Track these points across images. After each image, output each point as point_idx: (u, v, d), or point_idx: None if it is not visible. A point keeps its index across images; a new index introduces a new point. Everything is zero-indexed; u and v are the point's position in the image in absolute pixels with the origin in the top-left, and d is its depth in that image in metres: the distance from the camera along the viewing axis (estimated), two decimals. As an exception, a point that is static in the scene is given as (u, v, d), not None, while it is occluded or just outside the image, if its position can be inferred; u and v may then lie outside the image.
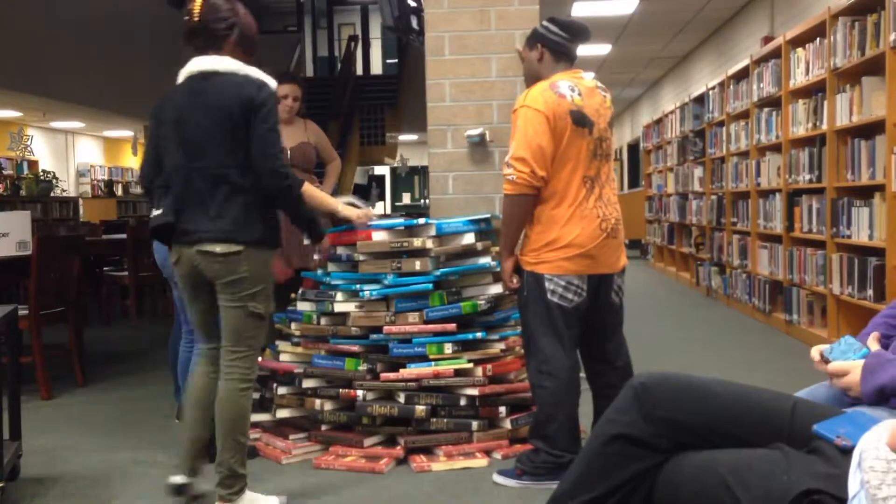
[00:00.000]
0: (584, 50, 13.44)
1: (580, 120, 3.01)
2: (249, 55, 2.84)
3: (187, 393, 2.93)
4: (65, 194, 14.37)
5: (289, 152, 4.50)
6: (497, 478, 3.13)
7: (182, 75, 2.79)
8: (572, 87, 3.05)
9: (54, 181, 12.77)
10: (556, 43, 3.12)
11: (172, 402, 3.98)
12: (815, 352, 1.91)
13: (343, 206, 3.65)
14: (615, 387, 2.66)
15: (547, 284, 3.02)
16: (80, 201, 13.77)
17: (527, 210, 3.04)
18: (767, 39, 7.59)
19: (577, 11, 9.48)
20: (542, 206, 3.04)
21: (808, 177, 5.84)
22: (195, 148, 2.71)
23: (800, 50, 6.00)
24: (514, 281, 3.12)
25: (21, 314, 3.74)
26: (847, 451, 1.49)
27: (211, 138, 2.69)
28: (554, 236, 3.01)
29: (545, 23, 3.18)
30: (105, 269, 7.86)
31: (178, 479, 2.83)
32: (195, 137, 2.70)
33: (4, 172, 13.11)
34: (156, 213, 2.76)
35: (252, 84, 2.70)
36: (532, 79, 3.16)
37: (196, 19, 2.77)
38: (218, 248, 2.68)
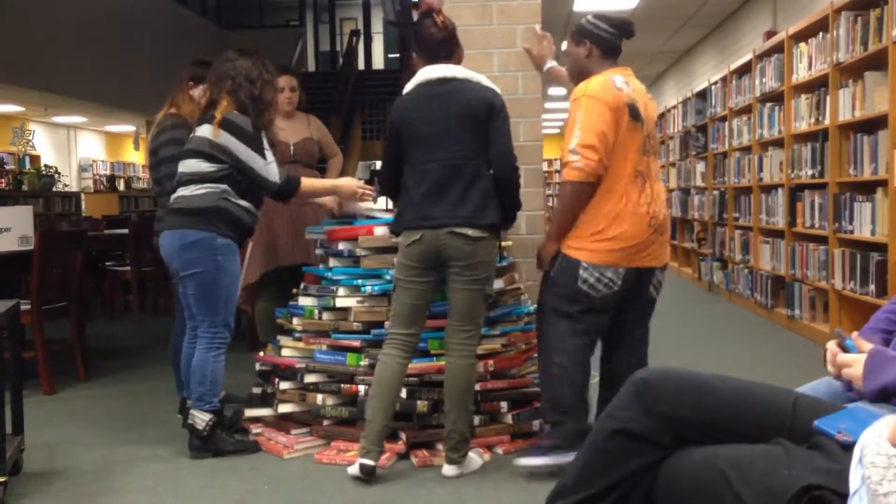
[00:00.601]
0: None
1: (635, 114, 3.02)
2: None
3: (377, 380, 3.11)
4: (67, 189, 14.38)
5: (292, 147, 4.50)
6: (522, 461, 3.11)
7: (417, 82, 3.13)
8: (625, 82, 3.09)
9: (56, 176, 12.77)
10: (604, 39, 3.16)
11: (175, 397, 3.98)
12: (831, 345, 1.88)
13: (344, 180, 3.65)
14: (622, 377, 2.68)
15: (581, 273, 3.01)
16: (83, 196, 13.77)
17: (588, 198, 3.01)
18: (770, 34, 7.57)
19: (579, 6, 9.46)
20: (594, 197, 3.02)
21: (810, 172, 5.83)
22: (438, 141, 3.05)
23: (802, 45, 5.98)
24: (551, 266, 3.11)
25: (23, 309, 3.75)
26: (848, 447, 1.49)
27: (445, 133, 3.06)
28: (601, 227, 2.99)
29: (592, 19, 3.20)
30: (107, 263, 7.87)
31: (369, 461, 3.05)
32: (438, 132, 3.06)
33: (7, 167, 13.10)
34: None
35: (492, 91, 3.12)
36: (578, 74, 3.17)
37: (447, 32, 3.16)
38: (470, 232, 3.01)
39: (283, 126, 4.35)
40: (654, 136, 3.17)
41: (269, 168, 3.38)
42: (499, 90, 3.17)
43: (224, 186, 3.35)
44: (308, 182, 3.54)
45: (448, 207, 3.04)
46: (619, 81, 3.06)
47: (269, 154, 3.39)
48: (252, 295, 4.57)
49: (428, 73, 3.14)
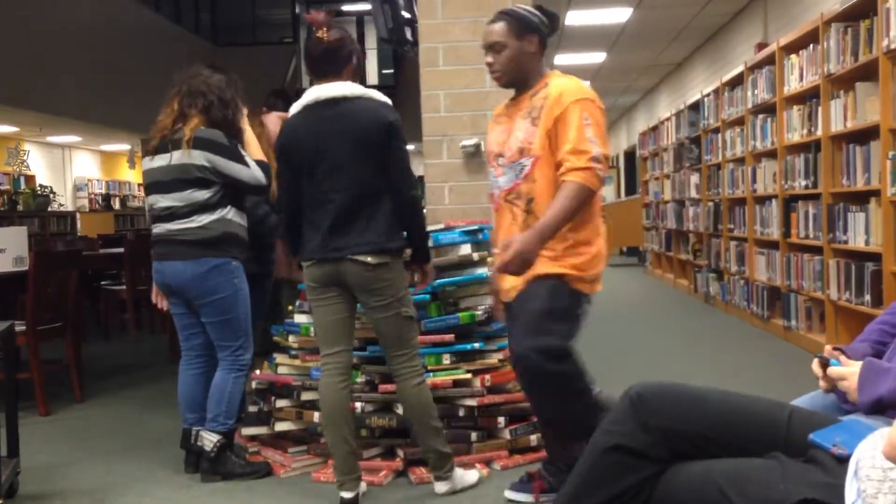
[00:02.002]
0: (578, 58, 13.33)
1: None
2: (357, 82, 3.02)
3: (324, 412, 3.02)
4: (62, 209, 14.37)
5: None
6: (510, 494, 3.02)
7: (303, 104, 2.96)
8: None
9: (51, 195, 12.77)
10: (544, 35, 2.85)
11: (172, 417, 3.93)
12: (815, 367, 1.89)
13: None
14: None
15: (586, 307, 2.82)
16: (78, 215, 13.77)
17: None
18: (761, 46, 7.61)
19: (572, 20, 9.51)
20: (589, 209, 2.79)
21: (803, 182, 5.85)
22: (339, 171, 2.90)
23: (793, 56, 6.01)
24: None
25: (18, 330, 3.74)
26: (843, 460, 1.49)
27: (343, 162, 2.90)
28: (598, 248, 2.81)
29: (530, 9, 2.86)
30: (103, 283, 7.85)
31: (348, 494, 2.96)
32: (338, 161, 2.90)
33: (1, 187, 13.10)
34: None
35: (387, 108, 2.96)
36: (519, 73, 2.83)
37: (324, 46, 2.95)
38: (370, 259, 2.91)
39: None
40: None
41: (254, 173, 3.34)
42: (390, 103, 3.01)
43: (224, 212, 3.33)
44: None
45: (353, 237, 2.91)
46: None
47: (247, 158, 3.35)
48: None
49: (315, 93, 2.95)
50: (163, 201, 3.34)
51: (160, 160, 3.35)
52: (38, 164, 15.38)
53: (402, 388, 3.04)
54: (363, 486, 3.09)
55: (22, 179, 14.06)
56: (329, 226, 2.92)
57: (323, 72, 2.97)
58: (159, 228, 3.38)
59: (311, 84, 2.99)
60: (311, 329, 3.61)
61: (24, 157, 14.36)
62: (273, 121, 3.89)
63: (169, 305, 3.48)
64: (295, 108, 3.02)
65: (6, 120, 11.92)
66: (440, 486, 3.09)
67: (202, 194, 3.29)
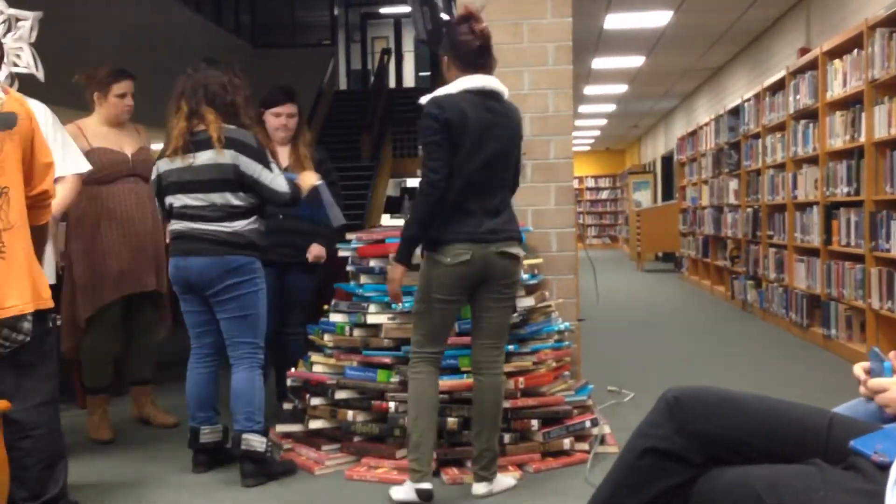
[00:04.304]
0: (617, 62, 13.26)
1: None
2: None
3: (421, 399, 3.03)
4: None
5: (131, 160, 4.14)
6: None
7: (468, 88, 3.00)
8: None
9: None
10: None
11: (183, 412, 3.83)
12: (857, 369, 1.86)
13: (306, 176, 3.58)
14: None
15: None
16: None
17: None
18: (804, 51, 7.51)
19: (610, 24, 9.46)
20: None
21: (846, 189, 5.76)
22: (498, 159, 3.03)
23: (837, 61, 5.93)
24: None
25: (57, 323, 3.80)
26: (884, 467, 1.46)
27: (506, 154, 3.06)
28: None
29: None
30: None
31: (427, 485, 3.00)
32: (500, 150, 3.03)
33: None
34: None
35: (518, 112, 3.17)
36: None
37: (486, 37, 3.05)
38: (516, 251, 3.07)
39: (113, 134, 4.11)
40: None
41: (278, 180, 3.34)
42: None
43: (253, 219, 3.37)
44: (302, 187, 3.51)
45: (499, 225, 3.03)
46: None
47: (273, 166, 3.36)
48: (78, 334, 4.02)
49: (479, 81, 3.01)
50: (190, 201, 3.32)
51: (183, 160, 3.31)
52: (81, 162, 15.63)
53: (487, 382, 3.10)
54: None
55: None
56: (481, 210, 3.01)
57: (482, 64, 3.05)
58: (180, 225, 3.35)
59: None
60: (346, 328, 3.63)
61: (68, 156, 14.59)
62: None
63: (183, 304, 3.44)
64: (454, 89, 3.00)
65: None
66: (481, 488, 3.10)
67: (237, 201, 3.31)
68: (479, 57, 3.03)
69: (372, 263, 3.67)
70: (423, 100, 3.03)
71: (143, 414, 4.23)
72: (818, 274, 6.33)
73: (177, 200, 3.37)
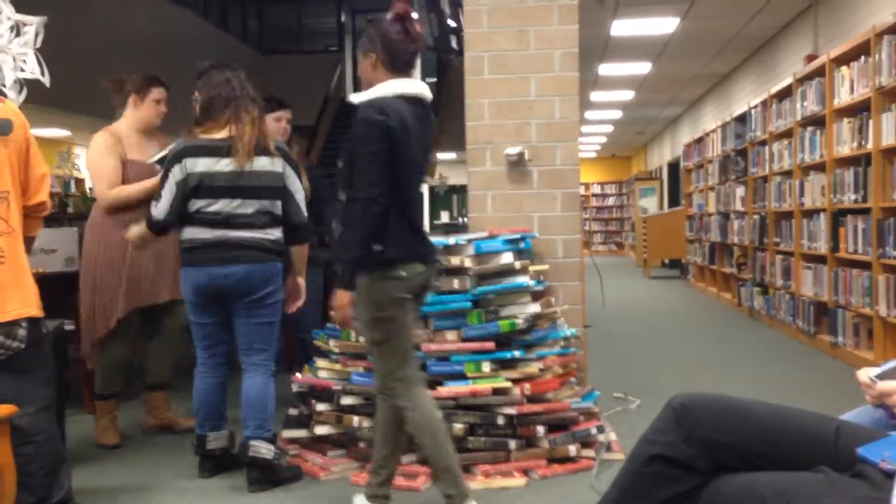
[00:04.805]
0: (623, 69, 13.26)
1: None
2: None
3: (435, 426, 2.82)
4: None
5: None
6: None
7: (398, 92, 2.76)
8: None
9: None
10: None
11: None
12: (862, 375, 1.86)
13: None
14: None
15: None
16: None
17: None
18: (811, 58, 7.50)
19: (617, 30, 9.47)
20: None
21: (853, 196, 5.75)
22: (419, 169, 2.85)
23: (844, 68, 5.92)
24: None
25: (67, 329, 3.81)
26: (892, 475, 1.46)
27: (424, 160, 2.87)
28: None
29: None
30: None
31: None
32: (419, 158, 2.82)
33: (53, 190, 13.39)
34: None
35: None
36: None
37: (420, 42, 2.85)
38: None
39: (144, 143, 4.07)
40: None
41: (303, 201, 3.39)
42: None
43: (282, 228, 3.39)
44: (305, 249, 3.56)
45: (428, 237, 2.95)
46: None
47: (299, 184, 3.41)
48: (98, 342, 4.00)
49: (413, 87, 2.81)
50: (240, 207, 3.25)
51: (230, 164, 3.25)
52: (88, 167, 15.69)
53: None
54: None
55: (72, 182, 14.36)
56: (418, 224, 2.85)
57: (407, 70, 2.85)
58: (212, 234, 3.26)
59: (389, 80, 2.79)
60: (352, 334, 3.63)
61: (75, 161, 14.66)
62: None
63: (197, 315, 3.38)
64: (383, 94, 2.76)
65: (58, 124, 12.19)
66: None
67: (280, 208, 3.33)
68: (412, 61, 2.84)
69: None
70: (356, 99, 2.80)
71: (163, 420, 4.21)
72: (825, 281, 6.31)
73: (213, 205, 3.26)
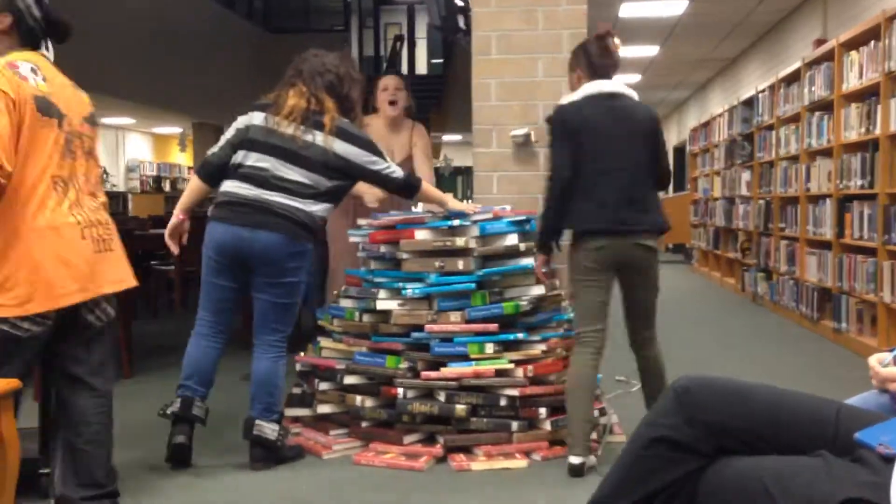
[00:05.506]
0: (630, 51, 13.24)
1: (46, 108, 2.51)
2: None
3: (578, 382, 3.22)
4: (115, 189, 14.66)
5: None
6: None
7: (589, 93, 3.28)
8: (34, 68, 2.55)
9: (105, 176, 13.00)
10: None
11: (211, 397, 3.89)
12: (873, 360, 1.85)
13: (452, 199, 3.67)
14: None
15: (10, 330, 2.45)
16: (130, 196, 14.02)
17: None
18: (820, 42, 7.45)
19: (625, 12, 9.41)
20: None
21: (859, 182, 5.73)
22: (623, 151, 3.26)
23: (853, 53, 5.88)
24: None
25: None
26: (890, 459, 1.46)
27: (636, 146, 3.29)
28: (13, 264, 2.43)
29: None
30: (152, 262, 7.99)
31: (576, 459, 3.15)
32: (623, 143, 3.26)
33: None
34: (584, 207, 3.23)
35: (651, 107, 3.45)
36: None
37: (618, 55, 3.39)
38: (651, 243, 3.31)
39: (386, 136, 4.28)
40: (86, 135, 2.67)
41: (391, 167, 3.40)
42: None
43: (331, 205, 3.37)
44: (427, 186, 3.56)
45: (636, 216, 3.25)
46: (24, 68, 2.51)
47: (387, 156, 3.43)
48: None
49: (599, 87, 3.30)
50: (284, 170, 3.25)
51: (293, 129, 3.27)
52: (93, 145, 15.68)
53: (652, 357, 3.42)
54: (592, 458, 3.23)
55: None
56: (615, 200, 3.22)
57: (608, 77, 3.34)
58: (251, 191, 3.23)
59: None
60: (356, 314, 3.64)
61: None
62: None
63: (213, 275, 3.32)
64: (576, 97, 3.31)
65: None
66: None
67: (327, 182, 3.30)
68: (609, 73, 3.35)
69: (383, 249, 3.67)
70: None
71: None
72: (829, 267, 6.30)
73: (259, 161, 3.25)
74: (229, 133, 3.38)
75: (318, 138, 3.28)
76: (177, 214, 3.43)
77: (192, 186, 3.44)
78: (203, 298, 3.40)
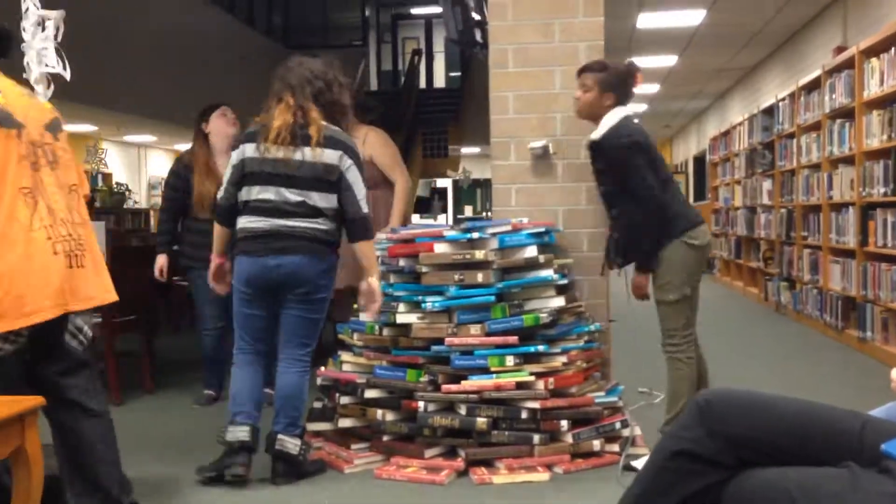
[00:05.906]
0: (649, 62, 13.21)
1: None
2: None
3: (694, 382, 3.52)
4: (137, 206, 14.79)
5: None
6: None
7: (626, 115, 3.55)
8: None
9: (127, 193, 13.14)
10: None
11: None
12: (895, 373, 1.83)
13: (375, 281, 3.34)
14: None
15: None
16: (152, 213, 14.13)
17: None
18: (840, 49, 7.40)
19: (643, 23, 9.40)
20: None
21: (882, 190, 5.67)
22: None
23: (874, 60, 5.84)
24: None
25: (95, 321, 3.85)
26: (919, 472, 1.44)
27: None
28: None
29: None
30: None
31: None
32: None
33: (80, 185, 13.53)
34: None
35: None
36: None
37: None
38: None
39: None
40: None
41: (363, 198, 3.31)
42: None
43: (337, 224, 3.35)
44: (370, 247, 3.36)
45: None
46: None
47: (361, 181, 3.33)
48: None
49: (630, 109, 3.63)
50: (289, 195, 3.23)
51: (285, 152, 3.23)
52: (115, 162, 15.85)
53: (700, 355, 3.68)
54: None
55: (100, 177, 14.52)
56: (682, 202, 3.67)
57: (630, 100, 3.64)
58: (264, 223, 3.25)
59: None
60: (376, 328, 3.64)
61: (102, 156, 14.82)
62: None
63: (246, 306, 3.34)
64: (624, 115, 3.54)
65: (87, 119, 12.32)
66: None
67: (330, 200, 3.27)
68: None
69: (402, 263, 3.67)
70: (597, 135, 3.53)
71: None
72: (854, 275, 6.24)
73: (262, 193, 3.26)
74: (228, 173, 3.37)
75: (307, 154, 3.24)
76: (214, 259, 3.50)
77: (217, 232, 3.48)
78: (238, 328, 3.43)
